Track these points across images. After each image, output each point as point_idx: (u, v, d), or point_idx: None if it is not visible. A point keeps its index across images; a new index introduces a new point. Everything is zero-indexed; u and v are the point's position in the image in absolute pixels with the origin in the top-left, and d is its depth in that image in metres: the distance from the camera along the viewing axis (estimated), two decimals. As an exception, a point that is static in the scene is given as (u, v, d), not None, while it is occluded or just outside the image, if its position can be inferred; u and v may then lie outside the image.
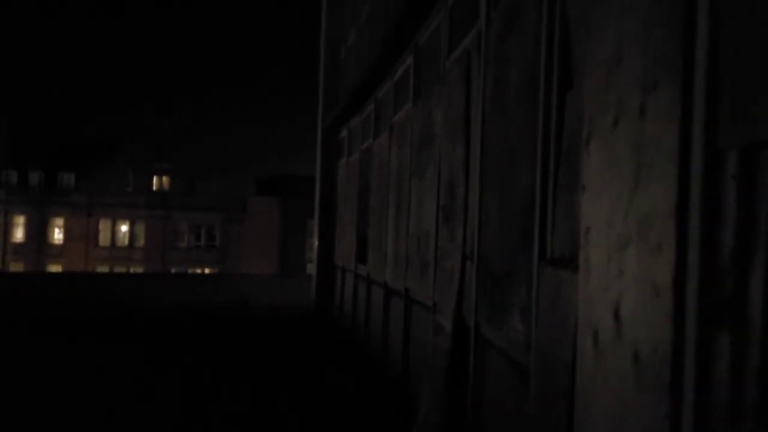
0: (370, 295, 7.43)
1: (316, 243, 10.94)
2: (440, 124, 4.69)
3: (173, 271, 41.96)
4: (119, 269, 43.82)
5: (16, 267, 44.93)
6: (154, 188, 45.43)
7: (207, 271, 41.97)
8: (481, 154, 3.55)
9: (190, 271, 41.89)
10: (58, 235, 45.89)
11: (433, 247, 4.61)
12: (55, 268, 45.24)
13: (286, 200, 41.81)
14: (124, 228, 45.23)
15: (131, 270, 43.24)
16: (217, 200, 42.90)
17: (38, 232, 45.59)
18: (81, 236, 45.25)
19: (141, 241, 44.79)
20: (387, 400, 5.52)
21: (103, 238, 45.49)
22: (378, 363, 6.45)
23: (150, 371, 6.85)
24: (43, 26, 69.49)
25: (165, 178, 45.39)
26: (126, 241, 45.25)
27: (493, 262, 3.22)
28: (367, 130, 8.50)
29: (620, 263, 1.66)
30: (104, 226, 45.57)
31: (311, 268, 12.34)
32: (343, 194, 10.21)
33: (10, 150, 46.96)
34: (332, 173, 10.97)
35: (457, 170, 4.11)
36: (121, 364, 7.17)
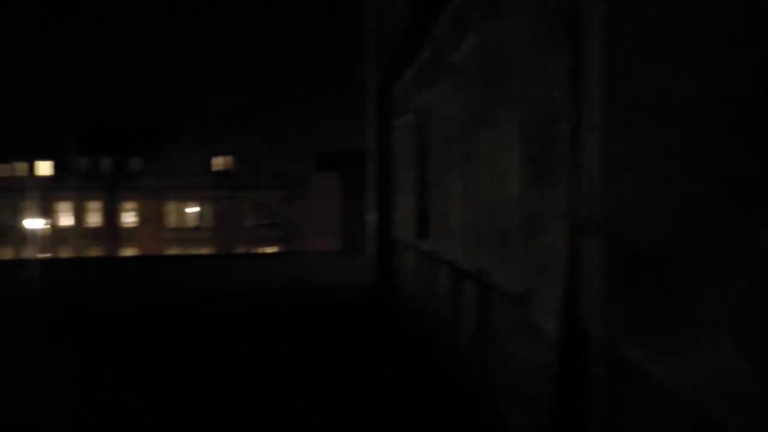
0: (434, 275, 6.20)
1: (371, 217, 9.77)
2: (520, 42, 3.34)
3: (239, 250, 42.11)
4: (188, 250, 44.47)
5: (93, 251, 46.39)
6: (218, 169, 45.59)
7: (272, 249, 41.89)
8: (605, 56, 2.19)
9: (255, 250, 41.93)
10: (130, 219, 47.00)
11: (518, 215, 3.29)
12: (128, 251, 46.44)
13: (348, 175, 40.95)
14: (190, 210, 45.74)
15: (199, 251, 43.74)
16: (280, 178, 42.55)
17: (111, 216, 46.84)
18: (151, 219, 46.17)
19: (208, 222, 45.20)
20: (459, 419, 4.32)
21: (172, 221, 46.21)
22: (446, 363, 5.22)
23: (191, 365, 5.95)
24: (108, 16, 71.04)
25: (228, 159, 45.43)
26: (193, 223, 45.79)
27: (647, 237, 1.89)
28: (423, 80, 7.17)
29: None
30: (172, 208, 46.26)
31: (370, 244, 11.24)
32: (400, 160, 8.95)
33: (83, 138, 48.20)
34: (386, 138, 9.73)
35: (553, 98, 2.77)
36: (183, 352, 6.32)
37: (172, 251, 45.20)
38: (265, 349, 6.65)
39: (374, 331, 7.63)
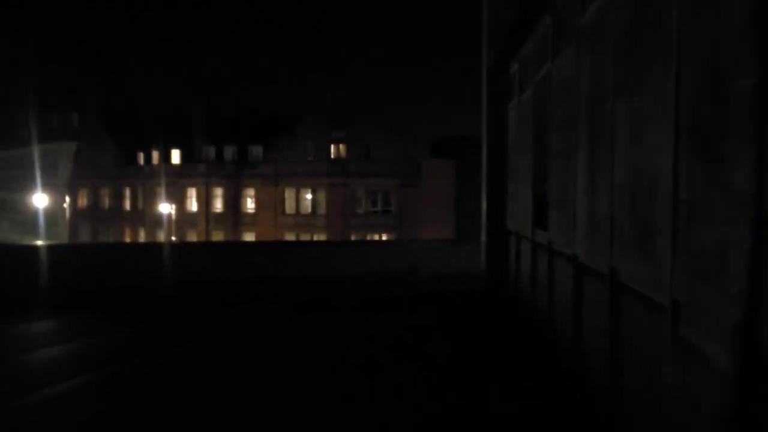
0: (552, 270, 5.51)
1: (484, 204, 9.12)
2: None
3: (352, 237, 42.67)
4: (304, 235, 45.74)
5: (217, 236, 49.03)
6: (333, 157, 46.41)
7: (384, 236, 42.04)
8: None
9: (368, 236, 42.29)
10: (250, 205, 49.10)
11: (666, 204, 2.59)
12: (248, 235, 48.59)
13: (460, 162, 40.16)
14: (307, 196, 46.94)
15: (314, 236, 44.84)
16: (392, 165, 42.50)
17: (233, 202, 49.19)
18: (269, 205, 47.92)
19: (323, 209, 46.19)
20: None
21: (289, 207, 47.69)
22: (571, 374, 4.53)
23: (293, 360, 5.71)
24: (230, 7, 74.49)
25: (342, 147, 46.12)
26: (309, 209, 46.98)
27: None
28: (544, 51, 6.43)
29: None
30: (289, 194, 47.72)
31: (483, 232, 10.57)
32: (516, 143, 8.23)
33: (208, 128, 50.94)
34: (501, 120, 9.01)
35: (729, 48, 2.07)
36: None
37: (289, 236, 46.74)
38: (379, 339, 6.28)
39: (485, 326, 7.03)
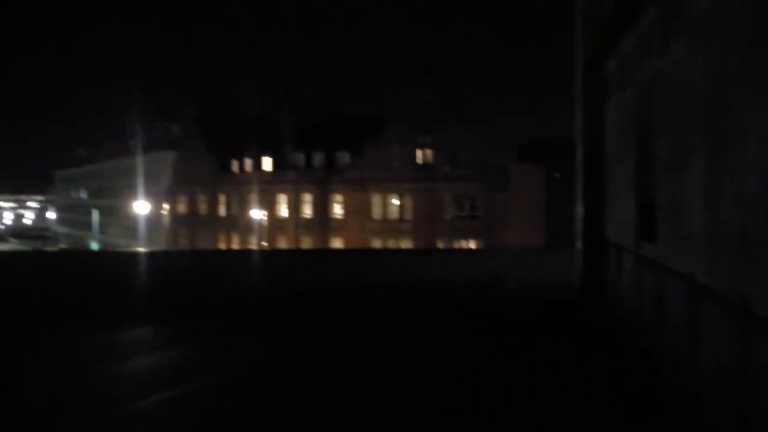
0: (661, 290, 4.91)
1: (579, 211, 8.49)
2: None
3: (438, 242, 42.20)
4: (391, 241, 45.74)
5: (305, 241, 50.05)
6: (419, 161, 46.15)
7: (471, 242, 41.28)
8: None
9: (454, 242, 41.67)
10: (338, 211, 49.75)
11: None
12: (336, 241, 49.24)
13: (551, 166, 38.81)
14: (393, 201, 46.95)
15: (401, 242, 44.72)
16: (479, 170, 41.68)
17: (322, 208, 50.04)
18: (357, 211, 48.33)
19: (409, 214, 46.02)
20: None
21: (376, 212, 47.86)
22: (677, 416, 3.95)
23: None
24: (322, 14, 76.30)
25: (428, 151, 45.76)
26: (396, 214, 46.94)
27: None
28: (648, 46, 5.82)
29: None
30: (376, 200, 47.90)
31: (578, 241, 9.88)
32: (615, 146, 7.59)
33: (298, 135, 52.16)
34: (598, 121, 8.37)
35: None
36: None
37: (376, 242, 46.91)
38: (462, 352, 5.89)
39: (577, 344, 6.45)
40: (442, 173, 43.22)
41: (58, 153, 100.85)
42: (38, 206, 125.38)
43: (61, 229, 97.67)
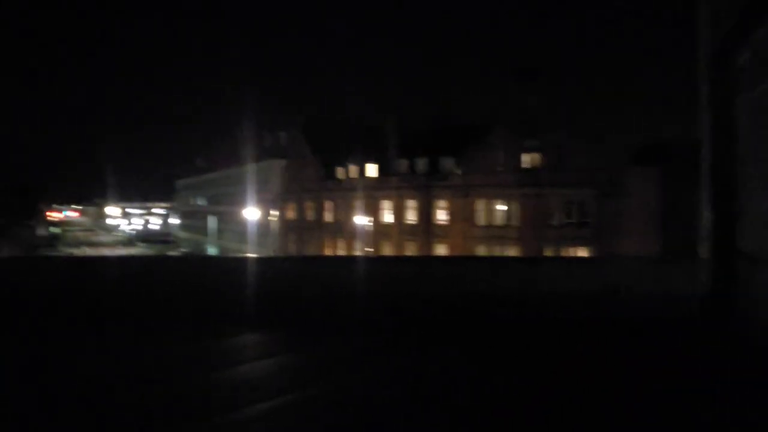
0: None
1: (705, 217, 7.70)
2: None
3: (546, 250, 40.79)
4: (495, 248, 44.82)
5: (409, 247, 50.19)
6: (525, 166, 44.92)
7: (580, 250, 39.54)
8: None
9: (563, 249, 40.10)
10: (441, 217, 49.50)
11: None
12: (440, 247, 48.97)
13: (668, 169, 36.37)
14: (498, 207, 46.03)
15: (507, 249, 43.69)
16: (589, 174, 39.87)
17: (425, 214, 49.99)
18: (461, 217, 47.83)
19: (515, 220, 44.90)
20: None
21: (480, 218, 47.13)
22: None
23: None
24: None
25: (534, 156, 44.43)
26: (501, 221, 45.97)
27: None
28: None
29: None
30: (480, 206, 47.18)
31: (703, 250, 8.98)
32: (749, 147, 6.81)
33: (402, 141, 52.50)
34: (726, 120, 7.56)
35: None
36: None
37: (481, 249, 46.16)
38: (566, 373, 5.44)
39: (703, 369, 5.77)
40: (549, 178, 41.77)
41: (181, 163, 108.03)
42: (163, 213, 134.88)
43: (183, 234, 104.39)
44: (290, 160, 64.37)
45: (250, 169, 73.29)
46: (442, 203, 49.47)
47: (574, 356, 5.90)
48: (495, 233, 45.33)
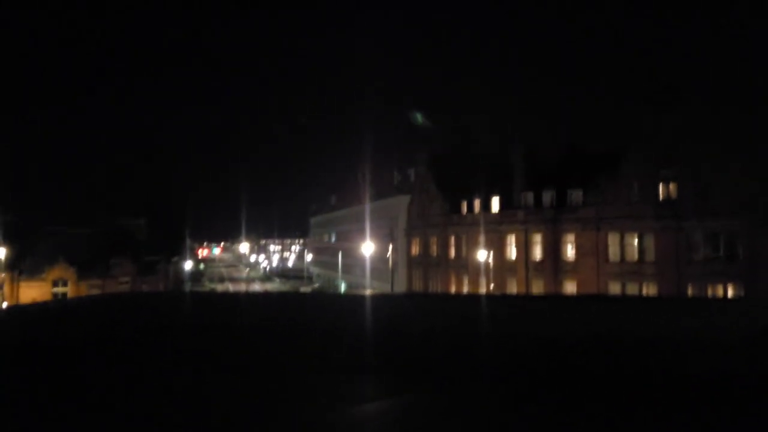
0: None
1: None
2: None
3: (688, 286, 36.88)
4: (630, 285, 41.49)
5: (536, 284, 47.85)
6: (661, 197, 41.33)
7: (729, 286, 35.26)
8: None
9: (708, 286, 36.01)
10: (570, 252, 46.86)
11: None
12: (569, 284, 46.20)
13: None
14: (633, 242, 42.71)
15: (641, 286, 40.20)
16: (737, 204, 35.74)
17: (552, 249, 47.54)
18: (591, 252, 44.97)
19: (651, 255, 41.31)
20: None
21: (613, 253, 44.00)
22: None
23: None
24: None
25: (672, 185, 40.76)
26: (635, 256, 42.53)
27: None
28: None
29: None
30: (613, 240, 44.12)
31: None
32: None
33: (527, 173, 50.70)
34: None
35: None
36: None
37: (614, 286, 42.96)
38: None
39: None
40: (690, 209, 37.98)
41: (316, 200, 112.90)
42: (298, 249, 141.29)
43: (316, 270, 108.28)
44: (416, 195, 64.65)
45: (377, 206, 74.60)
46: (570, 237, 46.89)
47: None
48: (629, 269, 41.99)
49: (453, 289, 54.81)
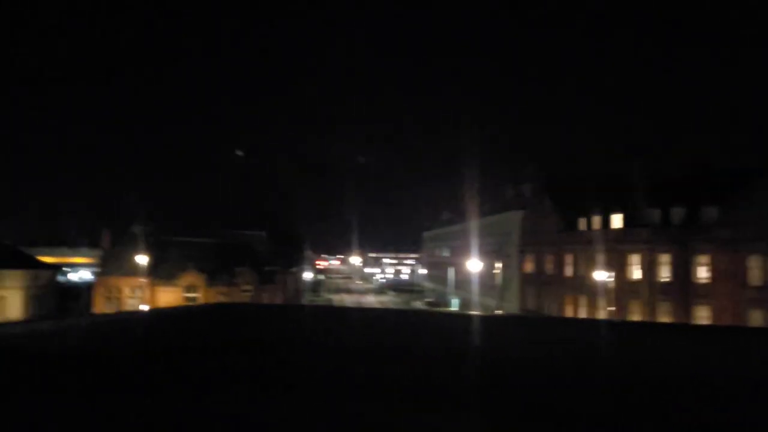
0: None
1: None
2: None
3: None
4: (775, 314, 37.23)
5: (662, 308, 44.33)
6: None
7: None
8: None
9: None
10: (702, 275, 43.07)
11: None
12: (701, 309, 42.43)
13: None
14: (777, 265, 38.43)
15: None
16: None
17: (682, 271, 43.92)
18: (728, 275, 41.04)
19: (798, 281, 36.89)
20: None
21: (754, 277, 39.86)
22: None
23: None
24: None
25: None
26: (780, 282, 38.19)
27: None
28: None
29: None
30: (754, 263, 39.98)
31: None
32: None
33: (652, 189, 47.37)
34: None
35: None
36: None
37: (755, 314, 38.87)
38: None
39: None
40: None
41: (431, 215, 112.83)
42: (412, 263, 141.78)
43: (428, 285, 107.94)
44: (530, 210, 62.54)
45: (490, 221, 73.01)
46: (703, 259, 43.09)
47: None
48: (773, 296, 37.72)
49: (569, 311, 52.10)
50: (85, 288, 65.21)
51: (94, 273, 65.42)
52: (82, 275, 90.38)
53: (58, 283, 64.23)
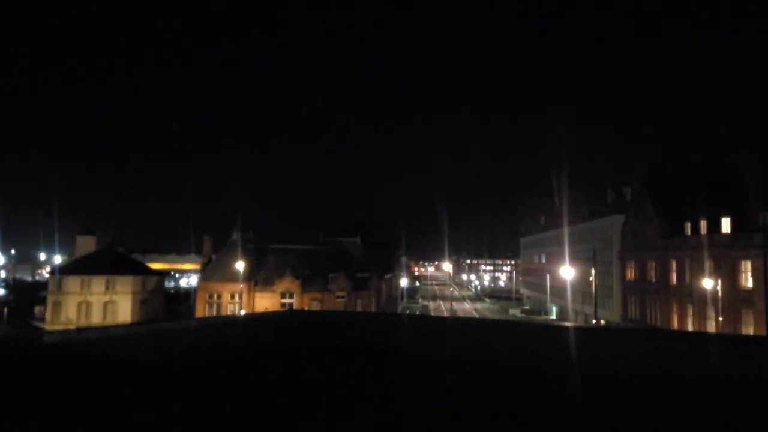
0: None
1: None
2: None
3: None
4: None
5: (780, 318, 40.63)
6: None
7: None
8: None
9: None
10: (827, 283, 39.07)
11: None
12: (824, 321, 38.48)
13: None
14: None
15: None
16: None
17: (803, 279, 40.06)
18: None
19: None
20: None
21: None
22: None
23: None
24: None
25: None
26: None
27: None
28: None
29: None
30: None
31: None
32: None
33: (765, 189, 43.65)
34: None
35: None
36: None
37: None
38: None
39: None
40: None
41: (528, 221, 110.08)
42: (509, 269, 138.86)
43: (525, 291, 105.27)
44: (631, 215, 59.57)
45: (589, 227, 70.21)
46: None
47: None
48: None
49: (675, 320, 49.01)
50: (191, 292, 69.24)
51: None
52: (191, 281, 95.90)
53: (166, 289, 68.66)
